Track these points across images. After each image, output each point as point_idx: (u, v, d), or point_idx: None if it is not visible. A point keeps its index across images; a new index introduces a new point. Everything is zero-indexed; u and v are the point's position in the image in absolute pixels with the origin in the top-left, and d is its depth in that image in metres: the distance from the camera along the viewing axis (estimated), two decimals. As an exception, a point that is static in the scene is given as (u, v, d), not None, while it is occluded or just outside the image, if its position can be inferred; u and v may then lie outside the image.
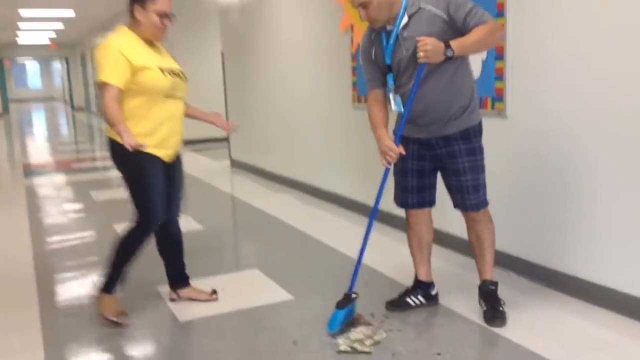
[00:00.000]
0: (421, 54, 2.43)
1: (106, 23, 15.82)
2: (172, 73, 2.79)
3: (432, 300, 2.94)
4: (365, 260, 3.65)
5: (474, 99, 2.69)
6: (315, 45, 5.28)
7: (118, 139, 2.63)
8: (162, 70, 2.73)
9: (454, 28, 2.51)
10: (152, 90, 2.70)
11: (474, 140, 2.68)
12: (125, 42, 2.70)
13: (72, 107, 25.63)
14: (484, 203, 2.75)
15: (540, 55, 3.01)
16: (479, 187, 2.71)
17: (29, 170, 8.23)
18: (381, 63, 2.68)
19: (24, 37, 21.08)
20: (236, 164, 7.71)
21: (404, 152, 2.65)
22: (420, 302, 2.92)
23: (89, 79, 21.43)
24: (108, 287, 2.88)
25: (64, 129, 16.40)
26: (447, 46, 2.44)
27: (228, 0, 7.36)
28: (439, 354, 2.46)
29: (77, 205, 5.82)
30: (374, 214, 2.79)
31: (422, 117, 2.65)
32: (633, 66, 2.56)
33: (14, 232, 4.77)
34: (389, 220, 4.04)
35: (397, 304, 2.91)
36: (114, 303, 2.88)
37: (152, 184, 2.77)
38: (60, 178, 7.58)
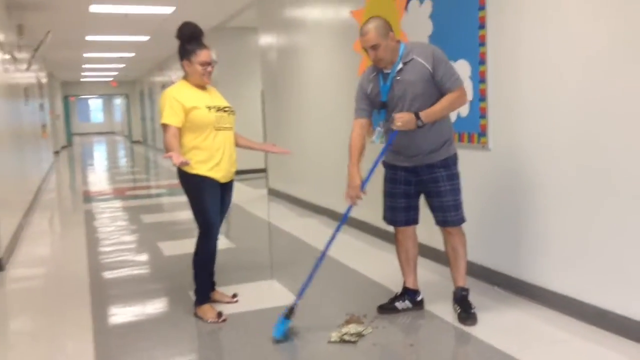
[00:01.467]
0: (398, 124, 3.01)
1: (162, 63, 17.04)
2: (219, 109, 3.42)
3: (417, 305, 3.42)
4: (363, 270, 4.15)
5: (452, 134, 3.23)
6: (338, 86, 5.90)
7: (182, 168, 3.29)
8: (208, 108, 3.36)
9: (434, 79, 3.07)
10: (201, 125, 3.33)
11: (453, 168, 3.21)
12: (179, 90, 3.38)
13: (131, 140, 27.11)
14: (462, 219, 3.24)
15: (516, 97, 3.50)
16: (458, 206, 3.21)
17: (88, 197, 9.11)
18: (375, 99, 3.23)
19: (88, 76, 22.70)
20: (272, 192, 8.36)
21: (362, 197, 3.21)
22: (407, 307, 3.40)
23: (147, 114, 22.80)
24: (200, 298, 3.47)
25: (122, 160, 17.54)
26: (418, 117, 3.01)
27: (268, 44, 8.12)
28: (412, 345, 2.96)
29: (128, 227, 6.53)
30: (340, 225, 3.41)
31: (410, 149, 3.18)
32: (591, 107, 3.04)
33: (73, 248, 5.50)
34: (384, 236, 4.53)
35: (387, 308, 3.40)
36: (210, 309, 3.44)
37: (208, 200, 3.37)
38: (115, 203, 8.39)
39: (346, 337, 3.01)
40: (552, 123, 3.25)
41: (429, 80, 3.07)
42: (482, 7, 3.67)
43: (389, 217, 3.41)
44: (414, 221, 3.37)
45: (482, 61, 3.69)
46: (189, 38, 3.39)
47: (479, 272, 3.83)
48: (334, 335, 3.05)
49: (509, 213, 3.62)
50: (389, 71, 3.17)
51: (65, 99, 25.41)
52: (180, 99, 3.31)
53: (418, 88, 3.08)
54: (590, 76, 2.99)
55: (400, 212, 3.35)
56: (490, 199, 3.75)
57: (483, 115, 3.74)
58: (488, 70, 3.66)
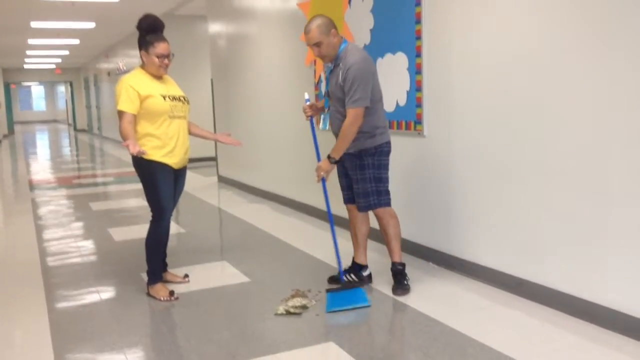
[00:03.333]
0: (321, 173, 3.40)
1: (107, 50, 16.78)
2: (173, 98, 3.56)
3: (362, 279, 3.68)
4: (308, 249, 4.38)
5: (372, 130, 3.39)
6: (286, 75, 6.10)
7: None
8: (163, 97, 3.51)
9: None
10: (156, 113, 3.48)
11: (365, 159, 3.43)
12: (136, 78, 3.50)
13: (75, 128, 26.50)
14: (373, 206, 3.49)
15: (448, 88, 3.79)
16: (368, 194, 3.46)
17: (34, 186, 9.02)
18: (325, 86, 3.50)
19: (31, 63, 22.04)
20: (223, 180, 8.52)
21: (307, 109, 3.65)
22: (353, 279, 3.66)
23: (92, 102, 22.37)
24: (152, 278, 3.63)
25: (67, 149, 17.20)
26: (331, 158, 3.35)
27: (217, 33, 8.23)
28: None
29: (78, 214, 6.55)
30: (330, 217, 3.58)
31: (335, 135, 3.47)
32: (511, 98, 3.36)
33: (22, 236, 5.52)
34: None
35: (334, 279, 3.68)
36: (162, 288, 3.61)
37: (162, 185, 3.52)
38: (62, 192, 8.36)
39: (292, 310, 3.25)
40: (477, 111, 3.56)
41: (342, 89, 3.33)
42: (418, 4, 3.95)
43: (343, 197, 3.69)
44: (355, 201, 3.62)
45: (419, 54, 3.97)
46: (148, 30, 3.51)
47: (416, 249, 4.14)
48: (280, 309, 3.28)
49: (441, 194, 3.93)
50: (330, 66, 3.45)
51: (7, 86, 24.62)
52: (136, 87, 3.44)
53: (337, 92, 3.38)
54: (513, 68, 3.30)
55: (343, 191, 3.65)
56: (426, 182, 4.05)
57: (419, 105, 4.03)
58: (423, 63, 3.94)
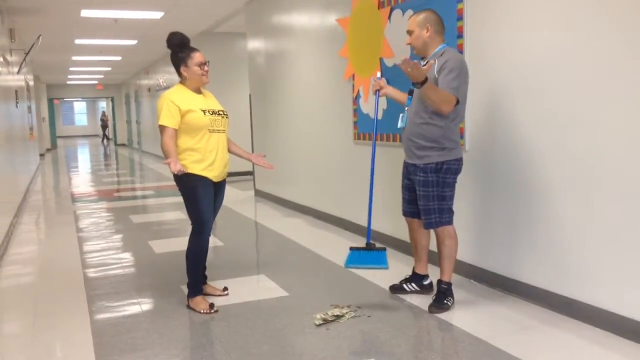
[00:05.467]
0: (406, 66, 3.05)
1: (148, 67, 17.15)
2: (213, 112, 3.61)
3: (424, 288, 3.69)
4: (355, 270, 4.33)
5: (442, 142, 3.33)
6: (324, 90, 6.12)
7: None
8: (203, 111, 3.56)
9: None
10: (196, 127, 3.53)
11: (430, 175, 3.37)
12: (176, 93, 3.57)
13: (115, 143, 27.09)
14: (435, 224, 3.43)
15: (491, 102, 3.74)
16: (430, 212, 3.41)
17: (76, 198, 9.22)
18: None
19: (74, 79, 22.69)
20: (259, 194, 8.56)
21: (380, 82, 3.69)
22: (414, 288, 3.69)
23: (132, 117, 22.85)
24: (193, 291, 3.66)
25: (108, 163, 17.57)
26: (424, 82, 3.12)
27: (256, 49, 8.33)
28: (393, 330, 3.16)
29: (118, 226, 6.67)
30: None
31: (405, 137, 3.48)
32: (560, 109, 3.29)
33: (65, 247, 5.63)
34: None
35: (397, 287, 3.71)
36: (202, 301, 3.63)
37: (202, 198, 3.55)
38: (103, 204, 8.52)
39: (328, 319, 3.27)
40: (519, 126, 3.49)
41: (435, 84, 3.25)
42: (460, 18, 3.92)
43: (402, 209, 3.68)
44: (419, 215, 3.54)
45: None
46: (180, 46, 3.58)
47: (457, 266, 4.05)
48: (319, 319, 3.29)
49: (484, 209, 3.86)
50: (421, 62, 3.40)
51: (50, 101, 25.37)
52: (177, 102, 3.50)
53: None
54: (557, 82, 3.24)
55: (405, 204, 3.62)
56: (468, 197, 3.98)
57: (461, 119, 3.97)
58: (465, 77, 3.89)
